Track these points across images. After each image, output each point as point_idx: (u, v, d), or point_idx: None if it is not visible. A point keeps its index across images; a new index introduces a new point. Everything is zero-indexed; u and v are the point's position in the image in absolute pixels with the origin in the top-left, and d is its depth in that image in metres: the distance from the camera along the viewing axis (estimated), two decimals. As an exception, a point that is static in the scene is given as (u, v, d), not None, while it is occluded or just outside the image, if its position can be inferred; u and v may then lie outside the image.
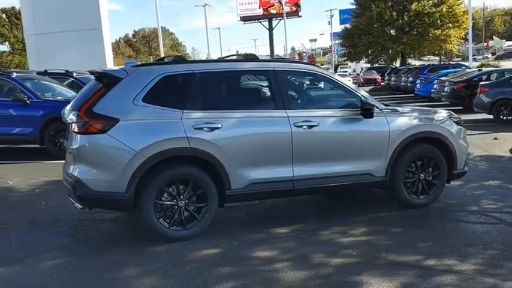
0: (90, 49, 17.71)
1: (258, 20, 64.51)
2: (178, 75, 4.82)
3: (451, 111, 6.13)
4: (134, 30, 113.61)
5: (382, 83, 36.50)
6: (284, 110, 4.97)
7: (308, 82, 6.38)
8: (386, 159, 5.32)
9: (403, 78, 26.60)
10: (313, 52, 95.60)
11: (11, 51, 60.46)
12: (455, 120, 5.79)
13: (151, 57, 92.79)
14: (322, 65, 49.87)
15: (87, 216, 5.38)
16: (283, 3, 54.77)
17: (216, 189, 4.74)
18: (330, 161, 5.15)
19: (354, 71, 58.04)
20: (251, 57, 5.29)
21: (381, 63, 45.68)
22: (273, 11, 61.81)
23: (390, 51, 37.58)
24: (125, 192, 4.43)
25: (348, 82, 5.85)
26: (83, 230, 5.14)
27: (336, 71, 51.38)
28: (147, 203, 4.51)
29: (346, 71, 49.12)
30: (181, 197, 4.65)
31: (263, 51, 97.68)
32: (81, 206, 4.61)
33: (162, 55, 42.97)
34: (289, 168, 4.97)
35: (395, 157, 5.37)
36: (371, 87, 34.92)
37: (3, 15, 61.81)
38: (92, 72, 5.97)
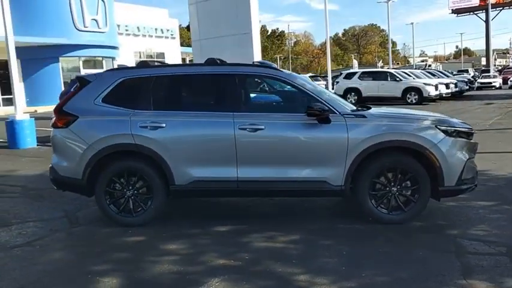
0: (241, 52, 19.18)
1: (473, 11, 59.89)
2: (136, 78, 5.38)
3: (448, 120, 5.33)
4: (344, 29, 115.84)
5: None
6: (231, 113, 5.10)
7: (268, 86, 6.20)
8: (345, 168, 4.99)
9: None
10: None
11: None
12: (443, 129, 5.03)
13: (355, 56, 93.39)
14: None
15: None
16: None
17: (161, 184, 5.17)
18: (278, 165, 5.08)
19: None
20: (211, 62, 5.51)
21: None
22: (492, 1, 56.05)
23: None
24: (81, 179, 5.21)
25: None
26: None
27: None
28: (99, 190, 5.22)
29: None
30: (130, 187, 5.22)
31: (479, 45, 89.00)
32: (55, 187, 5.54)
33: (390, 53, 43.18)
34: (234, 169, 5.09)
35: (357, 166, 4.98)
36: None
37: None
38: None
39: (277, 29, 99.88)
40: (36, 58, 29.75)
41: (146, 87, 5.31)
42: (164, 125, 5.12)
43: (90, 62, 32.18)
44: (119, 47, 34.06)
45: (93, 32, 31.60)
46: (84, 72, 28.08)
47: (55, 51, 29.70)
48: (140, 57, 40.35)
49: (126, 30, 37.45)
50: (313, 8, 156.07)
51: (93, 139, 5.15)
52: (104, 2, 32.11)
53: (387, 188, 5.06)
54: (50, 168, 5.42)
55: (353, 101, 24.14)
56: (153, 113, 5.20)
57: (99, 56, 32.31)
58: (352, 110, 5.22)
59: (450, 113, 17.06)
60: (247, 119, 5.07)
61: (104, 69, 33.67)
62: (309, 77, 26.25)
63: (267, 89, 6.35)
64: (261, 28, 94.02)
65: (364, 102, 23.77)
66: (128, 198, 5.23)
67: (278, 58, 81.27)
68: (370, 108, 5.74)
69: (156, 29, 39.96)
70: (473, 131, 5.35)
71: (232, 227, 5.14)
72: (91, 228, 5.31)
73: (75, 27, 30.77)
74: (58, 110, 5.38)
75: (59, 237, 5.05)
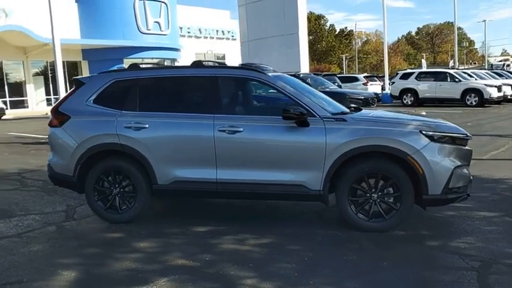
0: (287, 53, 19.18)
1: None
2: (124, 80, 5.56)
3: (438, 124, 5.04)
4: (418, 28, 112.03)
5: None
6: (212, 115, 5.13)
7: (252, 89, 6.07)
8: (323, 173, 4.87)
9: None
10: None
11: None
12: (429, 134, 4.76)
13: (427, 55, 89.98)
14: None
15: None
16: None
17: (144, 183, 5.31)
18: (256, 167, 5.05)
19: None
20: (196, 64, 5.56)
21: None
22: None
23: None
24: (72, 176, 5.47)
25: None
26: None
27: None
28: (88, 186, 5.45)
29: None
30: (116, 185, 5.40)
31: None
32: (53, 183, 5.84)
33: (456, 51, 41.33)
34: (213, 171, 5.13)
35: (335, 171, 4.85)
36: None
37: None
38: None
39: (346, 28, 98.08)
40: (102, 60, 31.33)
41: (133, 89, 5.47)
42: (147, 125, 5.25)
43: (153, 63, 33.44)
44: (180, 49, 35.11)
45: (155, 34, 32.82)
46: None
47: (120, 53, 31.07)
48: (204, 58, 41.49)
49: (188, 32, 38.57)
50: (386, 5, 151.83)
51: (83, 138, 5.38)
52: (166, 5, 33.22)
53: (367, 194, 4.88)
54: (48, 165, 5.73)
55: (409, 102, 23.34)
56: (138, 114, 5.34)
57: (160, 58, 33.45)
58: (334, 113, 5.08)
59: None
60: (227, 121, 5.09)
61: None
62: (364, 77, 25.65)
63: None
64: (329, 27, 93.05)
65: (421, 104, 22.96)
66: (115, 196, 5.42)
67: (344, 58, 79.95)
68: (360, 110, 5.58)
69: (217, 31, 40.80)
70: (467, 137, 5.03)
71: (211, 228, 5.17)
72: (81, 223, 5.55)
73: (139, 30, 32.11)
74: (54, 110, 5.68)
75: (48, 231, 5.32)
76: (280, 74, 5.70)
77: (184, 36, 37.87)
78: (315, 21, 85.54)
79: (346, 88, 21.56)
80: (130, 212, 5.40)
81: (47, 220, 5.68)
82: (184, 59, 36.16)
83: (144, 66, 5.90)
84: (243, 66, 5.56)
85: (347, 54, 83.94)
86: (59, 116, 5.57)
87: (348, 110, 5.55)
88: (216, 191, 5.18)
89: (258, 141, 5.05)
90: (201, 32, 39.44)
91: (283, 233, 4.96)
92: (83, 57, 32.34)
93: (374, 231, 4.85)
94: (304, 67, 19.30)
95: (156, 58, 33.07)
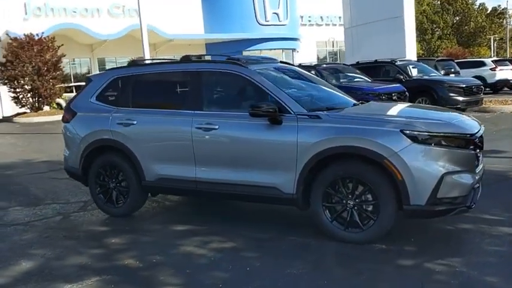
0: (391, 38, 17.86)
1: None
2: (122, 77, 5.63)
3: (429, 121, 4.25)
4: None
5: None
6: (192, 111, 4.99)
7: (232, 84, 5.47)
8: (295, 175, 4.44)
9: None
10: None
11: (440, 35, 64.34)
12: (411, 134, 4.04)
13: None
14: None
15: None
16: None
17: (135, 179, 5.37)
18: (231, 167, 4.79)
19: None
20: (184, 59, 5.39)
21: None
22: None
23: None
24: (78, 168, 5.76)
25: None
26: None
27: None
28: (90, 180, 5.70)
29: None
30: (113, 180, 5.56)
31: None
32: (68, 175, 6.20)
33: None
34: (193, 169, 5.00)
35: (308, 173, 4.39)
36: None
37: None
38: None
39: (499, 6, 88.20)
40: (222, 53, 32.64)
41: (128, 85, 5.54)
42: (135, 122, 5.29)
43: (271, 54, 33.87)
44: (299, 39, 34.97)
45: (273, 25, 33.13)
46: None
47: (238, 46, 32.02)
48: (326, 46, 40.81)
49: (309, 20, 38.19)
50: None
51: (85, 133, 5.62)
52: (285, -5, 33.30)
53: (344, 201, 4.33)
54: (64, 159, 6.11)
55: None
56: (130, 111, 5.40)
57: (279, 48, 33.71)
58: (311, 110, 4.57)
59: None
60: (205, 118, 4.90)
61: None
62: (493, 61, 22.88)
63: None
64: (479, 6, 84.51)
65: None
66: (112, 190, 5.58)
67: (492, 39, 72.23)
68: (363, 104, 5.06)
69: (340, 17, 39.56)
70: (469, 137, 4.17)
71: (190, 227, 5.05)
72: (86, 216, 5.77)
73: (257, 21, 32.72)
74: (66, 107, 6.03)
75: (52, 220, 5.65)
76: (268, 67, 5.30)
77: (305, 25, 37.58)
78: (462, 0, 78.47)
79: (470, 74, 19.51)
80: (125, 206, 5.52)
81: (62, 210, 6.07)
82: (305, 49, 35.99)
83: (148, 62, 5.96)
84: (224, 60, 5.29)
85: (495, 36, 75.56)
86: (69, 112, 5.88)
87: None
88: (196, 190, 5.04)
89: (232, 139, 4.78)
90: (322, 20, 38.71)
91: (253, 237, 4.65)
92: (206, 51, 33.95)
93: (350, 242, 4.29)
94: (411, 53, 17.77)
95: (274, 49, 33.41)
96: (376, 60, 15.02)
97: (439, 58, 21.98)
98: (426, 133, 4.05)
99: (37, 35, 22.32)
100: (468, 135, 4.17)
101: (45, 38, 22.41)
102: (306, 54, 34.93)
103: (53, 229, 5.34)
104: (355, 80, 13.32)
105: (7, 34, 23.03)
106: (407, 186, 4.01)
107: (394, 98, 12.05)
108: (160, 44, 31.02)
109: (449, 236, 4.46)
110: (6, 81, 22.22)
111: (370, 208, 4.25)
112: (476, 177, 4.22)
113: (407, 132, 4.06)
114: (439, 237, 4.42)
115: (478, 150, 4.33)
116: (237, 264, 4.01)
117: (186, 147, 4.98)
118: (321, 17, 38.62)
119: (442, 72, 17.51)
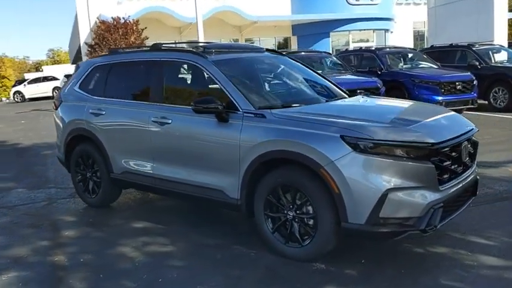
0: (478, 19, 15.97)
1: None
2: (101, 65, 5.47)
3: (380, 126, 3.53)
4: None
5: None
6: (151, 104, 4.71)
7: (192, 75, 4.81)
8: (239, 179, 4.00)
9: None
10: None
11: None
12: (352, 141, 3.38)
13: None
14: None
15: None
16: None
17: (105, 171, 5.24)
18: (182, 165, 4.45)
19: None
20: (153, 48, 5.05)
21: None
22: None
23: None
24: (62, 156, 5.78)
25: None
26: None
27: None
28: (72, 168, 5.69)
29: None
30: (89, 169, 5.48)
31: None
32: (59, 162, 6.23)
33: None
34: (150, 165, 4.74)
35: (249, 179, 3.92)
36: None
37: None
38: None
39: None
40: (309, 34, 31.82)
41: (104, 74, 5.39)
42: (104, 112, 5.14)
43: (360, 35, 32.37)
44: (393, 19, 32.94)
45: (365, 5, 31.47)
46: (353, 46, 28.44)
47: (326, 27, 31.00)
48: (424, 27, 38.05)
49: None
50: None
51: (66, 121, 5.60)
52: (379, -28, 31.42)
53: (284, 211, 3.81)
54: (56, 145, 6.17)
55: None
56: (102, 100, 5.25)
57: (369, 29, 32.03)
58: (261, 107, 4.04)
59: None
60: (161, 111, 4.59)
61: (374, 42, 33.26)
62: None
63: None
64: None
65: None
66: (88, 180, 5.52)
67: None
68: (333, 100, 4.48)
69: (440, -5, 36.66)
70: (430, 146, 3.42)
71: (149, 225, 4.82)
72: (69, 203, 5.79)
73: (347, 1, 31.26)
74: (57, 95, 6.05)
75: (37, 206, 5.74)
76: (239, 57, 4.82)
77: (401, 4, 35.24)
78: None
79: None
80: (98, 197, 5.43)
81: (54, 195, 6.16)
82: (400, 30, 33.86)
83: (128, 50, 5.76)
84: (185, 49, 4.88)
85: None
86: (57, 100, 5.90)
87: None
88: (154, 186, 4.78)
89: (182, 135, 4.42)
90: (421, -1, 36.06)
91: (198, 243, 4.28)
92: (293, 33, 33.33)
93: (290, 258, 3.77)
94: (500, 36, 15.75)
95: (364, 29, 31.83)
96: (451, 44, 13.50)
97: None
98: (369, 140, 3.37)
99: (123, 18, 23.31)
100: (429, 144, 3.42)
101: (129, 21, 23.34)
102: (401, 35, 32.88)
103: (28, 215, 5.42)
104: (419, 66, 12.08)
105: (97, 18, 24.37)
106: (344, 201, 3.39)
107: (458, 87, 10.73)
108: (246, 26, 30.92)
109: (409, 261, 3.73)
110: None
111: (310, 222, 3.68)
112: (439, 196, 3.45)
113: (347, 138, 3.42)
114: (396, 262, 3.70)
115: (448, 162, 3.56)
116: (154, 274, 3.69)
117: (144, 141, 4.73)
118: (421, -5, 35.95)
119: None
